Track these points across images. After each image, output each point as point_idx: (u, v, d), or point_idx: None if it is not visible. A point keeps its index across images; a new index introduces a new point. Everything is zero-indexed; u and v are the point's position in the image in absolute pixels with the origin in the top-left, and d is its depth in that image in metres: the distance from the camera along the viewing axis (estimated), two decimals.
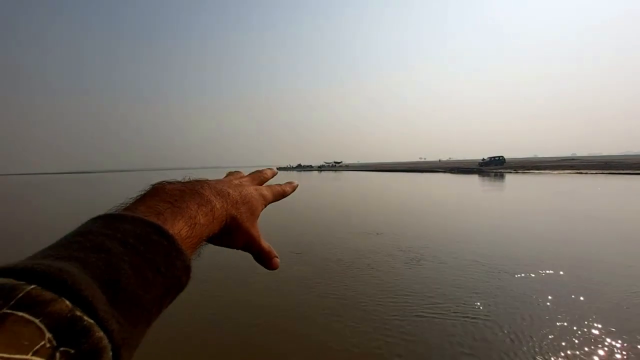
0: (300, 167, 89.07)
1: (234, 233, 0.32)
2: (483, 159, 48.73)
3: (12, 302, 0.12)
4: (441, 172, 39.74)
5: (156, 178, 0.32)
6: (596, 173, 26.93)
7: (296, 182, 0.47)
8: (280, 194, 0.42)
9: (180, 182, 0.30)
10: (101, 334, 0.14)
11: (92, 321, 0.13)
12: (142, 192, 0.27)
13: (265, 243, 0.35)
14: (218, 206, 0.29)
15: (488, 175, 30.30)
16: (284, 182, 0.46)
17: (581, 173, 27.79)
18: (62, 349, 0.12)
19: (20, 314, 0.12)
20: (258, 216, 0.35)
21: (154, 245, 0.20)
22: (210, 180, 0.33)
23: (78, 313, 0.13)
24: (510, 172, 33.11)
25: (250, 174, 0.44)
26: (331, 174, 48.51)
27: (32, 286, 0.13)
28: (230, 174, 0.42)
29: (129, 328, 0.16)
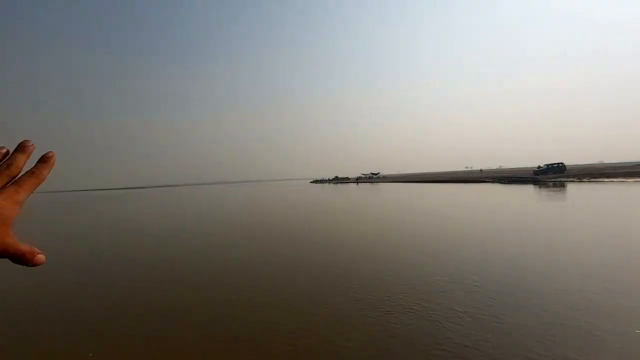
0: (337, 180, 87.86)
1: None
2: (539, 167, 43.56)
3: None
4: (489, 182, 36.10)
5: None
6: None
7: (53, 154, 0.41)
8: (36, 185, 0.39)
9: None
10: None
11: None
12: None
13: (24, 245, 0.36)
14: None
15: (546, 185, 26.54)
16: (37, 162, 0.40)
17: None
18: None
19: None
20: (11, 225, 0.35)
21: None
22: None
23: None
24: (574, 181, 28.82)
25: None
26: (367, 185, 46.69)
27: None
28: None
29: None
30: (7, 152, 0.39)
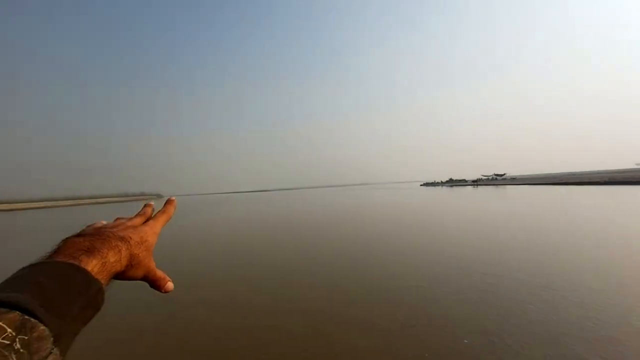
0: (451, 182, 77.59)
1: (136, 268, 0.40)
2: None
3: None
4: None
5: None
6: None
7: (173, 197, 0.55)
8: (167, 220, 0.51)
9: (86, 234, 0.38)
10: (44, 327, 0.23)
11: (36, 321, 0.23)
12: (57, 246, 0.34)
13: (160, 271, 0.44)
14: (123, 249, 0.37)
15: None
16: (164, 204, 0.54)
17: None
18: (19, 336, 0.23)
19: None
20: (152, 251, 0.43)
21: (72, 277, 0.28)
22: (111, 228, 0.41)
23: (27, 317, 0.23)
24: None
25: (137, 216, 0.50)
26: (490, 189, 38.20)
27: None
28: (118, 218, 0.48)
29: (62, 326, 0.24)
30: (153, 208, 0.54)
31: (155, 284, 0.43)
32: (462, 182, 71.78)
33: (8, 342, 0.23)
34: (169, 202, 0.54)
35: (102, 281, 0.32)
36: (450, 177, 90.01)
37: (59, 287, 0.26)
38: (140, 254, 0.40)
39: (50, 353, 0.23)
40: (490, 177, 77.19)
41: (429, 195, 33.57)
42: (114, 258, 0.35)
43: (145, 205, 0.54)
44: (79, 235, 0.37)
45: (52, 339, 0.23)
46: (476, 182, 65.66)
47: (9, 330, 0.23)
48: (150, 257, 0.42)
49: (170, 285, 0.44)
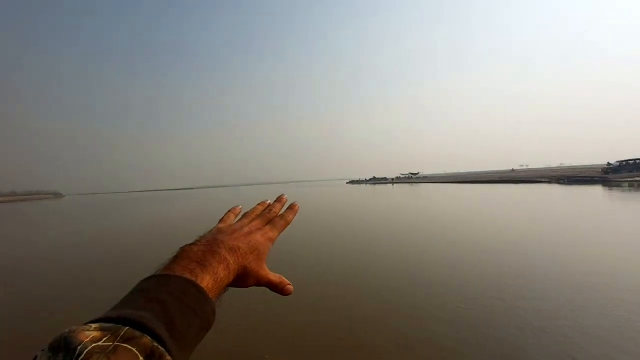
0: (374, 180, 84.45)
1: (245, 278, 0.39)
2: (609, 164, 36.82)
3: (119, 338, 0.22)
4: (545, 182, 31.06)
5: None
6: None
7: (297, 205, 0.54)
8: (285, 226, 0.50)
9: (200, 242, 0.38)
10: (170, 358, 0.22)
11: (164, 350, 0.22)
12: (175, 254, 0.35)
13: (275, 276, 0.43)
14: (232, 261, 0.37)
15: (620, 187, 21.71)
16: (286, 209, 0.53)
17: None
18: None
19: (125, 345, 0.22)
20: (265, 259, 0.43)
21: (192, 296, 0.29)
22: (224, 237, 0.41)
23: (156, 344, 0.22)
24: None
25: (261, 214, 0.50)
26: (406, 187, 43.33)
27: (127, 328, 0.22)
28: (245, 215, 0.50)
29: (182, 355, 0.24)
30: (270, 204, 0.53)
31: (273, 289, 0.43)
32: (383, 180, 78.71)
33: None
34: (291, 207, 0.53)
35: (214, 298, 0.32)
36: (374, 176, 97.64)
37: (179, 306, 0.26)
38: (248, 265, 0.39)
39: None
40: (407, 176, 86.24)
41: (349, 192, 36.92)
42: (223, 273, 0.35)
43: (277, 200, 0.55)
44: (195, 243, 0.38)
45: None
46: (393, 180, 73.23)
47: (141, 358, 0.22)
48: (262, 265, 0.41)
49: (290, 287, 0.44)
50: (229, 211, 0.53)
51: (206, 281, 0.32)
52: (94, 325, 0.22)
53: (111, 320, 0.22)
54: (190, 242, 0.39)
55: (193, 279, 0.31)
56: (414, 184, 50.80)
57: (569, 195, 19.06)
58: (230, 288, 0.39)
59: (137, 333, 0.22)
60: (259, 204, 0.54)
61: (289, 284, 0.44)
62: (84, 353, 0.22)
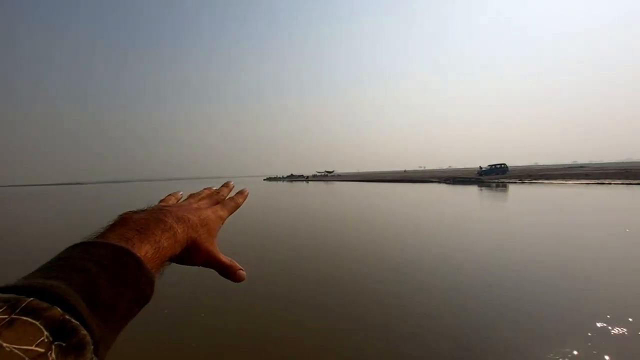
0: (292, 177, 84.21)
1: (194, 253, 0.35)
2: (481, 168, 43.77)
3: (18, 310, 0.18)
4: (435, 182, 35.03)
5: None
6: (621, 183, 22.10)
7: (247, 190, 0.53)
8: (235, 208, 0.48)
9: (145, 211, 0.34)
10: (85, 332, 0.18)
11: (78, 323, 0.18)
12: (112, 222, 0.31)
13: (226, 258, 0.38)
14: (180, 231, 0.33)
15: (489, 186, 25.55)
16: (235, 193, 0.51)
17: (602, 183, 22.95)
18: (56, 342, 0.18)
19: (25, 318, 0.18)
20: (215, 235, 0.39)
21: (124, 265, 0.24)
22: (172, 207, 0.37)
23: (67, 317, 0.18)
24: (515, 182, 28.32)
25: (208, 195, 0.48)
26: (320, 185, 43.74)
27: (31, 299, 0.18)
28: (191, 196, 0.47)
29: (105, 329, 0.20)
30: (217, 189, 0.51)
31: (223, 271, 0.38)
32: (300, 178, 79.12)
33: (42, 351, 0.18)
34: (240, 192, 0.52)
35: (154, 269, 0.28)
36: (291, 173, 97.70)
37: (107, 276, 0.22)
38: (199, 238, 0.36)
39: None
40: (322, 174, 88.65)
41: (266, 188, 35.23)
42: (167, 242, 0.31)
43: (224, 185, 0.52)
44: (138, 211, 0.33)
45: (92, 347, 0.19)
46: (307, 178, 74.12)
47: (45, 333, 0.18)
48: (213, 242, 0.38)
49: (242, 273, 0.38)
50: (170, 195, 0.48)
51: (144, 250, 0.28)
52: None
53: (13, 290, 0.18)
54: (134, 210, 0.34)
55: (127, 246, 0.26)
56: (329, 182, 52.05)
57: (454, 192, 21.58)
58: (174, 264, 0.35)
59: (44, 304, 0.18)
60: (205, 188, 0.51)
61: (241, 269, 0.39)
62: None
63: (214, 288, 4.54)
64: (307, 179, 72.85)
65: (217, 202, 0.46)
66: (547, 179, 29.30)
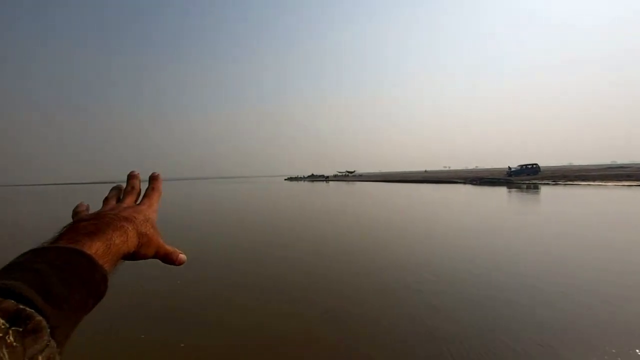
0: (312, 177, 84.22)
1: (146, 246, 0.39)
2: (510, 168, 41.62)
3: None
4: (460, 183, 33.66)
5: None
6: None
7: (157, 173, 0.52)
8: (159, 196, 0.50)
9: (91, 217, 0.36)
10: (40, 317, 0.20)
11: (33, 310, 0.19)
12: (60, 231, 0.33)
13: (169, 246, 0.43)
14: (130, 228, 0.37)
15: (519, 188, 24.18)
16: (150, 180, 0.51)
17: None
18: (13, 328, 0.19)
19: None
20: (157, 227, 0.43)
21: (75, 264, 0.26)
22: (114, 212, 0.39)
23: (22, 306, 0.19)
24: (549, 184, 26.67)
25: (128, 195, 0.48)
26: (342, 185, 43.38)
27: None
28: (106, 202, 0.46)
29: (61, 317, 0.22)
30: (125, 185, 0.51)
31: (167, 258, 0.42)
32: (321, 178, 78.90)
33: (0, 335, 0.20)
34: (154, 178, 0.51)
35: (107, 265, 0.31)
36: (312, 173, 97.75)
37: (59, 274, 0.24)
38: (148, 232, 0.39)
39: (47, 346, 0.19)
40: (343, 174, 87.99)
41: (288, 188, 35.34)
42: (119, 239, 0.34)
43: (131, 177, 0.50)
44: (82, 220, 0.36)
45: (49, 330, 0.20)
46: (327, 178, 73.73)
47: (1, 320, 0.20)
48: (159, 234, 0.42)
49: (182, 257, 0.43)
50: (76, 207, 0.44)
51: (95, 247, 0.30)
52: None
53: None
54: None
55: (77, 247, 0.29)
56: (350, 182, 51.55)
57: (481, 193, 20.55)
58: (127, 261, 0.38)
59: None
60: (111, 189, 0.50)
61: (182, 253, 0.43)
62: None
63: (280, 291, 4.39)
64: (327, 179, 72.54)
65: (138, 195, 0.48)
66: (583, 179, 27.35)
